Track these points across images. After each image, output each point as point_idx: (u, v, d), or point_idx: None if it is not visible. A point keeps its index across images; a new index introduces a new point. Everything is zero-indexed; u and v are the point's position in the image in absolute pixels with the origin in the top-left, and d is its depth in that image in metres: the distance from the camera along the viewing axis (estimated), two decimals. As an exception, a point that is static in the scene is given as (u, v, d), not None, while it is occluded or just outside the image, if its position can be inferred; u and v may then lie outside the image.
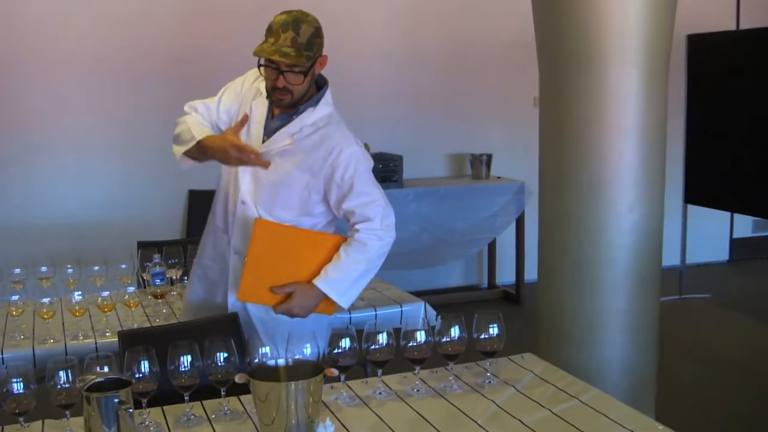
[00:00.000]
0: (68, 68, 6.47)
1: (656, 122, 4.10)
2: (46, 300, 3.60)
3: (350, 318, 3.85)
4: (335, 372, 2.44)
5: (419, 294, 4.29)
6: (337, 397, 2.70)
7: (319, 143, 3.19)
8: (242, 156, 3.07)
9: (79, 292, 3.65)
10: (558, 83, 4.17)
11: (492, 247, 7.72)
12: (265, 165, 3.11)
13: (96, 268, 3.93)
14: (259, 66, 3.11)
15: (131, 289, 3.86)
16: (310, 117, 3.20)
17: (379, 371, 2.74)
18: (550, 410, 2.61)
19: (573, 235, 4.17)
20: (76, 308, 3.58)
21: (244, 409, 2.64)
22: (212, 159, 3.17)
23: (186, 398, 2.56)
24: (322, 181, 3.19)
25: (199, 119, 3.27)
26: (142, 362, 2.49)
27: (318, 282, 3.17)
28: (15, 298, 3.70)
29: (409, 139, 7.44)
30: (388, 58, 7.40)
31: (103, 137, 6.61)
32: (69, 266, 3.92)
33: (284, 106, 3.18)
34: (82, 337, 3.57)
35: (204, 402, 2.65)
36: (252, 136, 3.24)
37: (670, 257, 6.29)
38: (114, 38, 6.53)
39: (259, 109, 3.25)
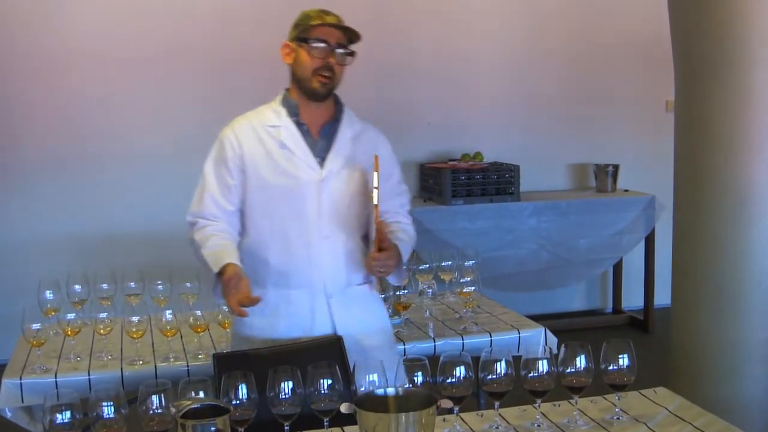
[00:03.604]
0: (147, 72, 6.65)
1: (809, 129, 4.02)
2: (135, 318, 3.68)
3: (463, 344, 3.85)
4: (450, 403, 2.44)
5: (536, 318, 4.26)
6: (450, 431, 2.70)
7: (373, 141, 3.43)
8: (233, 307, 3.10)
9: (170, 311, 3.71)
10: (696, 85, 4.12)
11: (618, 267, 7.62)
12: (244, 314, 3.13)
13: (188, 284, 3.98)
14: (309, 43, 3.24)
15: (225, 308, 3.90)
16: (351, 117, 3.43)
17: (496, 403, 2.73)
18: (687, 452, 2.58)
19: (712, 256, 4.10)
20: (168, 328, 3.65)
21: (349, 441, 2.66)
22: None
23: (286, 428, 2.59)
24: (388, 175, 3.42)
25: (218, 228, 3.34)
26: (240, 387, 2.54)
27: (398, 243, 3.33)
28: (103, 315, 3.77)
29: (527, 147, 7.40)
30: (503, 57, 7.38)
31: (196, 144, 6.70)
32: (159, 282, 3.98)
33: (322, 95, 3.31)
34: (173, 359, 3.65)
35: (305, 432, 2.68)
36: (303, 168, 3.29)
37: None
38: (186, 38, 6.68)
39: (293, 140, 3.32)
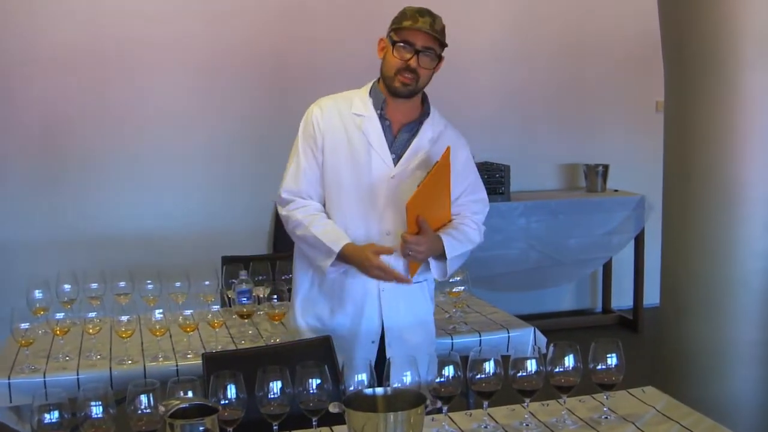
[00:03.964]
0: (148, 71, 6.60)
1: (798, 130, 4.02)
2: (124, 318, 3.67)
3: (452, 343, 3.85)
4: (438, 403, 2.44)
5: (526, 318, 4.27)
6: (438, 431, 2.71)
7: (453, 141, 3.45)
8: (385, 275, 3.29)
9: (160, 310, 3.71)
10: (686, 86, 4.12)
11: (607, 267, 7.63)
12: (408, 281, 3.35)
13: (178, 284, 4.00)
14: (394, 44, 3.29)
15: (215, 307, 3.90)
16: (436, 119, 3.48)
17: (485, 403, 2.74)
18: (675, 451, 2.58)
19: (701, 256, 4.11)
20: (157, 327, 3.64)
21: (337, 440, 2.66)
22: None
23: (275, 427, 2.59)
24: (461, 178, 3.48)
25: (317, 207, 3.41)
26: (228, 387, 2.54)
27: (444, 236, 3.36)
28: (92, 315, 3.76)
29: (517, 147, 7.39)
30: (494, 56, 7.38)
31: (185, 144, 6.71)
32: (149, 282, 3.99)
33: (405, 93, 3.35)
34: (162, 359, 3.64)
35: (294, 432, 2.68)
36: (378, 161, 3.36)
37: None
38: (197, 38, 6.64)
39: (374, 132, 3.39)
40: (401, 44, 3.28)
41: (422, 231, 3.27)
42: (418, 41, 3.26)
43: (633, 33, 7.39)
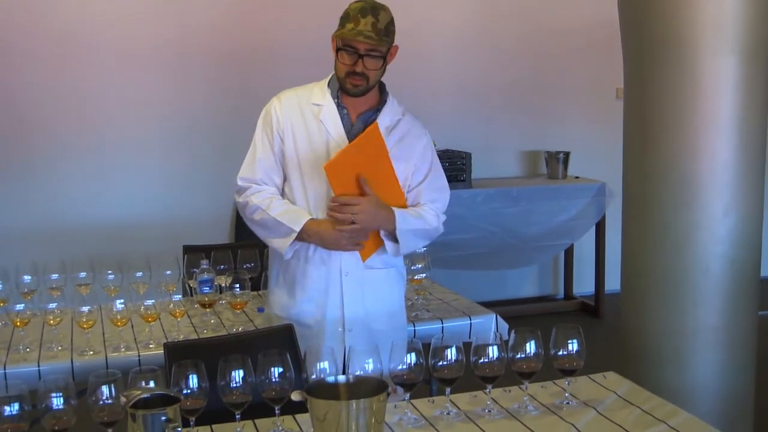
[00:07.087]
0: (110, 61, 6.55)
1: (755, 115, 4.04)
2: (85, 308, 3.64)
3: (414, 331, 3.86)
4: (399, 390, 2.45)
5: (489, 305, 4.29)
6: (401, 418, 2.70)
7: (407, 131, 3.50)
8: (356, 234, 3.31)
9: (121, 301, 3.68)
10: (645, 72, 4.14)
11: (569, 253, 7.67)
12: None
13: (139, 274, 3.97)
14: (337, 51, 3.31)
15: (177, 297, 3.89)
16: (394, 108, 3.49)
17: (447, 389, 2.74)
18: (635, 435, 2.59)
19: (661, 242, 4.13)
20: (118, 317, 3.62)
21: (300, 429, 2.66)
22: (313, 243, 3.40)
23: (237, 416, 2.58)
24: (412, 166, 3.48)
25: (273, 192, 3.46)
26: (190, 377, 2.53)
27: (396, 209, 3.37)
28: (52, 305, 3.73)
29: (479, 135, 7.42)
30: (455, 44, 7.39)
31: (147, 134, 6.68)
32: (110, 272, 3.96)
33: (357, 94, 3.37)
34: (124, 349, 3.62)
35: (256, 421, 2.68)
36: (335, 149, 3.36)
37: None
38: (159, 29, 6.60)
39: (331, 120, 3.42)
40: (344, 50, 3.29)
41: (364, 193, 3.29)
42: (360, 46, 3.26)
43: (593, 21, 7.41)
